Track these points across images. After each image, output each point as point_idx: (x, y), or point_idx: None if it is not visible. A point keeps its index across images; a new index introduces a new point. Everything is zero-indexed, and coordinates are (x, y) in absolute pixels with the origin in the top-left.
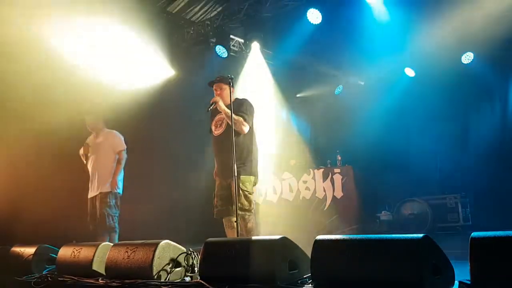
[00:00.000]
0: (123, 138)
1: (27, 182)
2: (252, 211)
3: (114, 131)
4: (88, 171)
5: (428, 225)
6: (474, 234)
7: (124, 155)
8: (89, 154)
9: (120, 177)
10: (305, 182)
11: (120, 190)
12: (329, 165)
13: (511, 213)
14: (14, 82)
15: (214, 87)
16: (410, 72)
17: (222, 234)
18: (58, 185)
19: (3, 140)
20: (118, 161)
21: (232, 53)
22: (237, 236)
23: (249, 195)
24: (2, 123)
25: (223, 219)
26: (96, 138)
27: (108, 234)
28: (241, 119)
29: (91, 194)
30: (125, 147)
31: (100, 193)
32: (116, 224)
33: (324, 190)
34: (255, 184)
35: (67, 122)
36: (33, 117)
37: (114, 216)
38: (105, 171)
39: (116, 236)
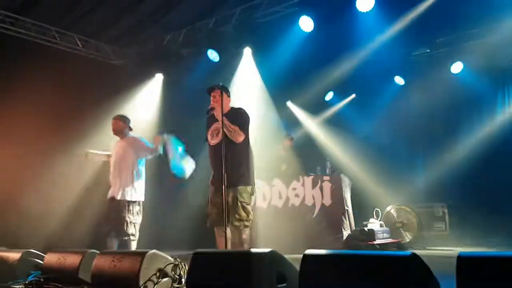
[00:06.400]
0: (147, 143)
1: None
2: (249, 222)
3: (139, 136)
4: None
5: (415, 233)
6: (461, 253)
7: (143, 162)
8: (111, 158)
9: (142, 184)
10: (294, 189)
11: (142, 197)
12: (318, 173)
13: (497, 223)
14: None
15: (212, 94)
16: (399, 80)
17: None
18: None
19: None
20: (140, 168)
21: (223, 58)
22: (226, 247)
23: (246, 205)
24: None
25: (216, 228)
26: (120, 142)
27: (124, 240)
28: (237, 128)
29: (111, 196)
30: (150, 152)
31: (122, 199)
32: (136, 231)
33: (313, 198)
34: (252, 194)
35: None
36: None
37: (136, 223)
38: (127, 177)
39: (134, 243)
